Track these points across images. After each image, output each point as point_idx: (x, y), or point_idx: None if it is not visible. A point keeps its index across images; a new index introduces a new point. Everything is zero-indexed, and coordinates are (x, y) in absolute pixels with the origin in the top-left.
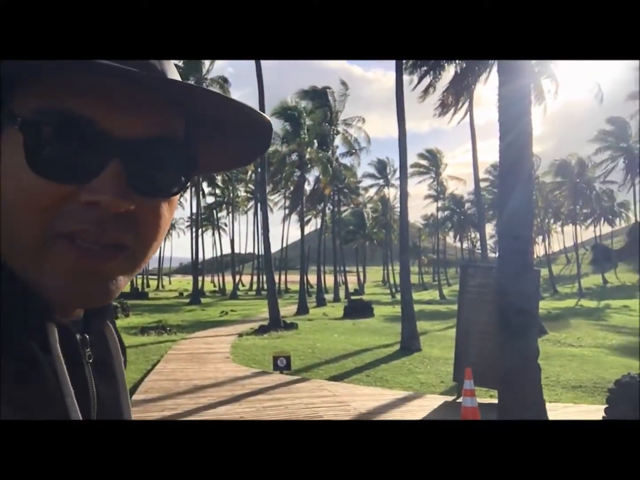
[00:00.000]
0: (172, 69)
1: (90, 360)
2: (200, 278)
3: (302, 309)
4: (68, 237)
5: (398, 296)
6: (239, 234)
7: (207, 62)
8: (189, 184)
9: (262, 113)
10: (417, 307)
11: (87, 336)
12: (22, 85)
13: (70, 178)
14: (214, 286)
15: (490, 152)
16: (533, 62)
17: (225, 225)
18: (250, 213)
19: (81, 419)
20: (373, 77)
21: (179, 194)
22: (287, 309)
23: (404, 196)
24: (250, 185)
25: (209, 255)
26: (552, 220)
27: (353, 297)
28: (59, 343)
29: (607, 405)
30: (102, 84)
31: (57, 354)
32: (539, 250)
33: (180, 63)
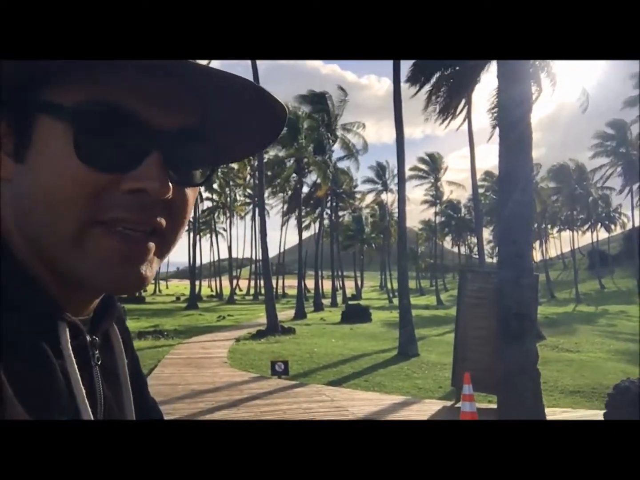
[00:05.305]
0: None
1: (99, 363)
2: (197, 282)
3: (300, 314)
4: (107, 223)
5: (395, 301)
6: (237, 238)
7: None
8: (213, 173)
9: (276, 98)
10: (414, 312)
11: (96, 338)
12: (61, 78)
13: (114, 167)
14: (211, 291)
15: (484, 158)
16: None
17: (224, 229)
18: (248, 217)
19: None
20: (366, 83)
21: (204, 184)
22: (285, 314)
23: (402, 202)
24: (248, 190)
25: (206, 259)
26: (549, 226)
27: (351, 302)
28: (70, 343)
29: (605, 411)
30: (143, 76)
31: (69, 354)
32: (536, 255)
33: None
